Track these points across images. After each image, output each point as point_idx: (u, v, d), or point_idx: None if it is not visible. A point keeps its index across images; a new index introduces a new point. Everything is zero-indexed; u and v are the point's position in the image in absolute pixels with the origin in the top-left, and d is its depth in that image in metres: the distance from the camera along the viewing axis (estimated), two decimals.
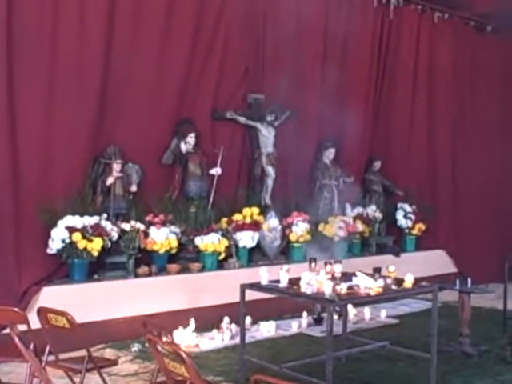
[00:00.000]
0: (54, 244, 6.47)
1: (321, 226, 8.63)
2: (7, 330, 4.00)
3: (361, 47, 9.36)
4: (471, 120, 10.86)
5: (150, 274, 7.01)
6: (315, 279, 5.00)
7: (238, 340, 5.80)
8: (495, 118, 11.13)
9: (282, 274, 5.12)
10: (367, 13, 9.45)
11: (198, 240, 7.38)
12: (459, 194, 10.70)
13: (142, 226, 6.99)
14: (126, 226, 6.89)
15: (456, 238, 10.47)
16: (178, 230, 7.36)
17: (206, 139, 7.95)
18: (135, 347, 6.16)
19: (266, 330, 6.90)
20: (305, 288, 4.89)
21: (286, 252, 8.36)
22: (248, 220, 7.83)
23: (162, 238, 7.12)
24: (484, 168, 10.86)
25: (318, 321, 7.25)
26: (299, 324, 7.20)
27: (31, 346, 4.11)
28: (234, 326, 6.63)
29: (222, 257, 7.55)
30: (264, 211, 8.17)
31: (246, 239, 7.78)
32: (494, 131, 11.09)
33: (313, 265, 5.39)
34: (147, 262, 7.10)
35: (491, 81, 11.05)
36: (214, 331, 6.61)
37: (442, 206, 10.33)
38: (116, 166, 7.01)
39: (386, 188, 9.89)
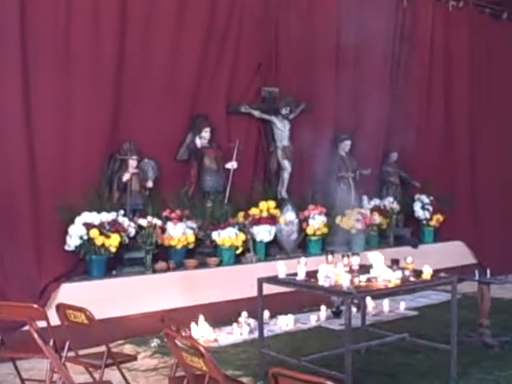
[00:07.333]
0: (72, 241, 6.50)
1: (338, 219, 8.59)
2: (27, 327, 4.01)
3: (375, 37, 9.23)
4: (489, 108, 10.73)
5: (167, 270, 7.03)
6: (333, 272, 4.97)
7: (256, 334, 5.78)
8: None
9: (300, 267, 5.10)
10: (381, 1, 9.35)
11: (215, 235, 7.38)
12: (478, 185, 10.59)
13: (158, 222, 7.00)
14: (143, 222, 6.91)
15: (475, 229, 10.36)
16: (194, 224, 7.36)
17: (221, 133, 7.94)
18: (154, 342, 6.18)
19: (285, 323, 6.89)
20: (322, 281, 4.86)
21: (303, 245, 8.34)
22: (265, 214, 7.82)
23: (179, 233, 7.13)
24: (503, 157, 10.76)
25: (336, 314, 7.23)
26: (318, 317, 7.17)
27: (51, 342, 4.14)
28: (252, 320, 6.62)
29: (239, 251, 7.55)
30: (280, 205, 8.15)
31: (263, 233, 7.77)
32: None
33: (330, 257, 5.36)
34: (165, 257, 7.12)
35: (508, 68, 10.91)
36: (233, 325, 6.62)
37: (460, 196, 10.22)
38: (132, 162, 7.03)
39: (403, 179, 9.82)
